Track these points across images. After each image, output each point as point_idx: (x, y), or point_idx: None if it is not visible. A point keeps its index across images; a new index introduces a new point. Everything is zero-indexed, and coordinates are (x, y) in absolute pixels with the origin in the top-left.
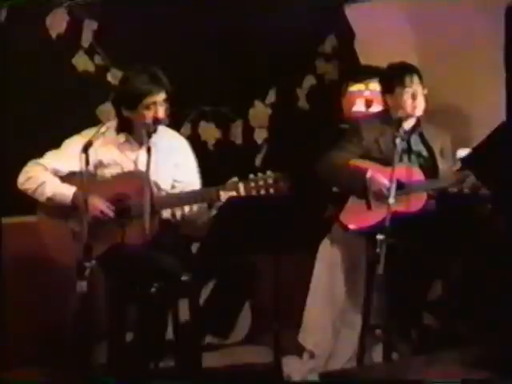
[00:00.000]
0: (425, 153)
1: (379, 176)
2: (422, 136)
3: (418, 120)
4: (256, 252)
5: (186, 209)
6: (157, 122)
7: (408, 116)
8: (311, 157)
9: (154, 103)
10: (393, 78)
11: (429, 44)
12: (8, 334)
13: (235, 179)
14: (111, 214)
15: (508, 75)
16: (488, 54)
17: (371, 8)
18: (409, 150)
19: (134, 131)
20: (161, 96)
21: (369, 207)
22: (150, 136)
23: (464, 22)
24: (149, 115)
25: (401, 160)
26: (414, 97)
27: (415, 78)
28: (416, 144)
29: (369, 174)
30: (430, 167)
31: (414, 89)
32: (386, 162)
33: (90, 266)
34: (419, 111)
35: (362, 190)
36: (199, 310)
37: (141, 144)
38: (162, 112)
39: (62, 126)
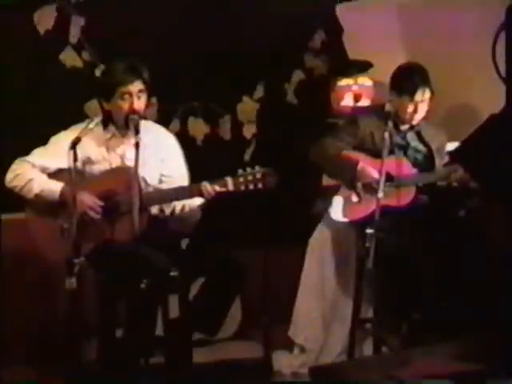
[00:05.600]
0: (422, 149)
1: (369, 168)
2: (418, 134)
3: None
4: (245, 247)
5: (178, 207)
6: (134, 113)
7: (404, 122)
8: (300, 152)
9: (129, 93)
10: (406, 84)
11: (418, 40)
12: None
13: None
14: (99, 209)
15: (507, 73)
16: (477, 51)
17: (361, 4)
18: (406, 145)
19: (118, 125)
20: (136, 86)
21: (359, 199)
22: (137, 131)
23: (453, 18)
24: (125, 106)
25: (393, 153)
26: (415, 110)
27: (426, 93)
28: (413, 140)
29: (359, 166)
30: (427, 163)
31: (420, 101)
32: (379, 154)
33: (79, 262)
34: (415, 121)
35: (352, 181)
36: (189, 305)
37: (125, 138)
38: (138, 103)
39: (50, 122)
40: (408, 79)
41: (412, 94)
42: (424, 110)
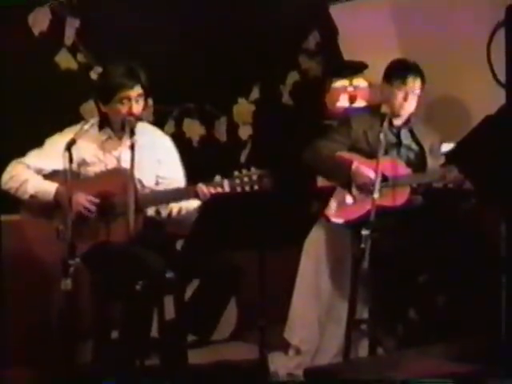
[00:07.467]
0: (415, 148)
1: (364, 168)
2: (411, 132)
3: (409, 117)
4: (241, 248)
5: (174, 210)
6: (132, 117)
7: (394, 114)
8: (296, 153)
9: (128, 98)
10: (398, 72)
11: (413, 40)
12: None
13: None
14: (93, 208)
15: (508, 75)
16: (473, 50)
17: (355, 4)
18: (398, 144)
19: (114, 127)
20: (135, 91)
21: (353, 200)
22: (133, 133)
23: (449, 18)
24: (123, 110)
25: (387, 153)
26: (406, 98)
27: (417, 81)
28: (406, 138)
29: (354, 166)
30: (419, 162)
31: (410, 90)
32: (373, 154)
33: (75, 264)
34: (406, 112)
35: (347, 182)
36: (184, 307)
37: (121, 140)
38: (136, 107)
39: (45, 124)
40: (400, 67)
41: (403, 80)
42: (415, 101)
